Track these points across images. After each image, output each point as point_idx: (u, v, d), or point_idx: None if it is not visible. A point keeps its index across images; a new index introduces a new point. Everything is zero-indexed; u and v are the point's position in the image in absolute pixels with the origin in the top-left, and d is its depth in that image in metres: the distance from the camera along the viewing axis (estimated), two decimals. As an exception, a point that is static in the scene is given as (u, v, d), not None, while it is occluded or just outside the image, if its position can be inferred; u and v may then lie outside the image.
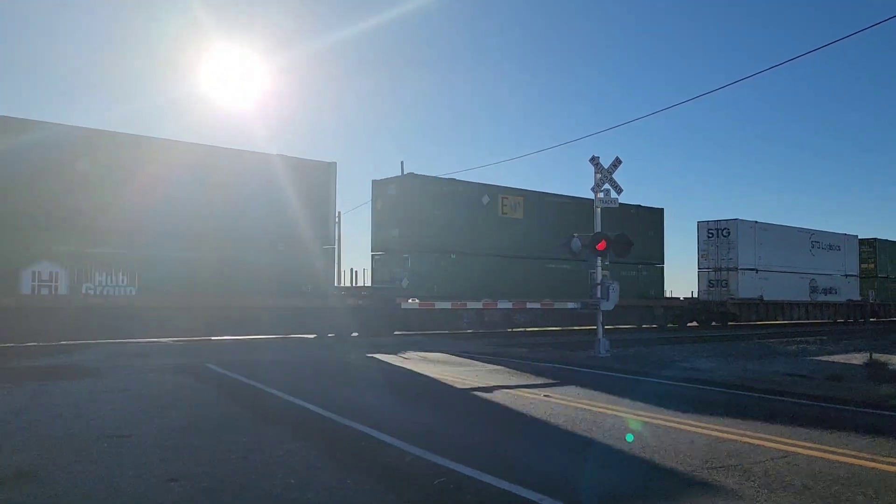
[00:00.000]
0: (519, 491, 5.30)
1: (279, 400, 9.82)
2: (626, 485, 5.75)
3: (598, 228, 17.75)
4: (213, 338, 20.36)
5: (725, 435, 7.47)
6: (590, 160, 17.54)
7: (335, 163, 22.62)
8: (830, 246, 43.18)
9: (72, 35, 68.94)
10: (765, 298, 37.23)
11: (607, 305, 17.50)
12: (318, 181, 22.17)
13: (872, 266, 47.27)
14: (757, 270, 37.35)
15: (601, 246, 17.08)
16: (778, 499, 5.19)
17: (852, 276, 44.78)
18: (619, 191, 17.71)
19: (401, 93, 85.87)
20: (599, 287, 17.47)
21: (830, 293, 42.57)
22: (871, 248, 47.49)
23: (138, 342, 18.99)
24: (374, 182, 27.12)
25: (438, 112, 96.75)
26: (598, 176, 17.56)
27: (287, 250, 21.23)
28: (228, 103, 56.52)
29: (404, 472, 5.93)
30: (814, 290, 41.22)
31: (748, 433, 7.54)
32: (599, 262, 17.61)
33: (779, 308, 39.16)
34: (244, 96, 53.36)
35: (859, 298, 43.97)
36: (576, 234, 17.86)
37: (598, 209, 17.91)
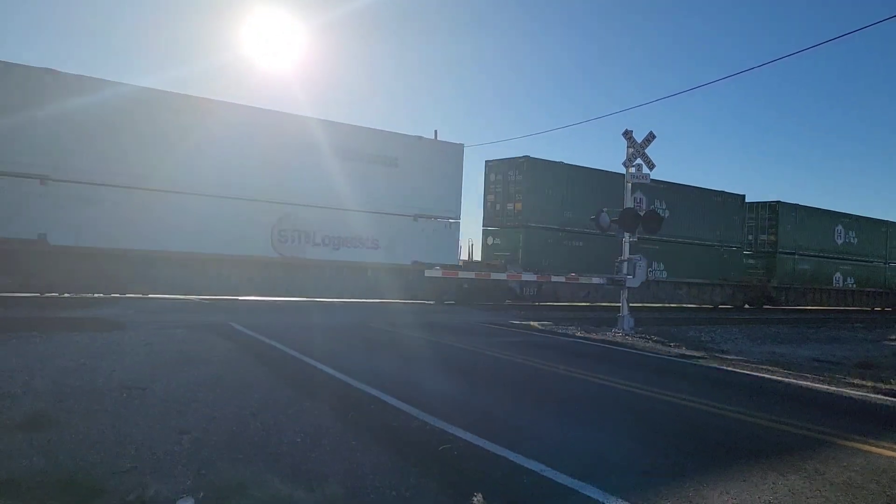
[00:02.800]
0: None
1: (297, 361, 9.92)
2: (625, 459, 5.68)
3: (627, 204, 17.50)
4: (239, 297, 20.56)
5: (745, 417, 7.37)
6: (623, 134, 17.23)
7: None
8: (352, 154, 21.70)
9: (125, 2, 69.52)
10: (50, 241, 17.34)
11: (633, 282, 17.30)
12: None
13: (518, 207, 27.26)
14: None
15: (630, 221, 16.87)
16: (788, 483, 5.09)
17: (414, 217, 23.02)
18: (651, 166, 17.39)
19: (437, 57, 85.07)
20: (626, 263, 17.26)
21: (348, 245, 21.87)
22: (518, 172, 27.27)
23: (168, 297, 19.33)
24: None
25: (475, 77, 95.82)
26: (631, 150, 17.26)
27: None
28: (269, 65, 56.57)
29: (409, 435, 5.94)
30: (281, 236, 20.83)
31: (770, 417, 7.43)
32: (627, 237, 17.38)
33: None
34: (285, 59, 53.31)
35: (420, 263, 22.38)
36: (604, 210, 17.61)
37: (629, 184, 17.62)
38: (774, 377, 10.58)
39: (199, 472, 4.64)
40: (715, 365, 11.76)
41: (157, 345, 10.52)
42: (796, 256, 37.12)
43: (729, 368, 11.40)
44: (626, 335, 15.97)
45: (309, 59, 59.55)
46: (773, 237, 36.48)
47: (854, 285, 40.63)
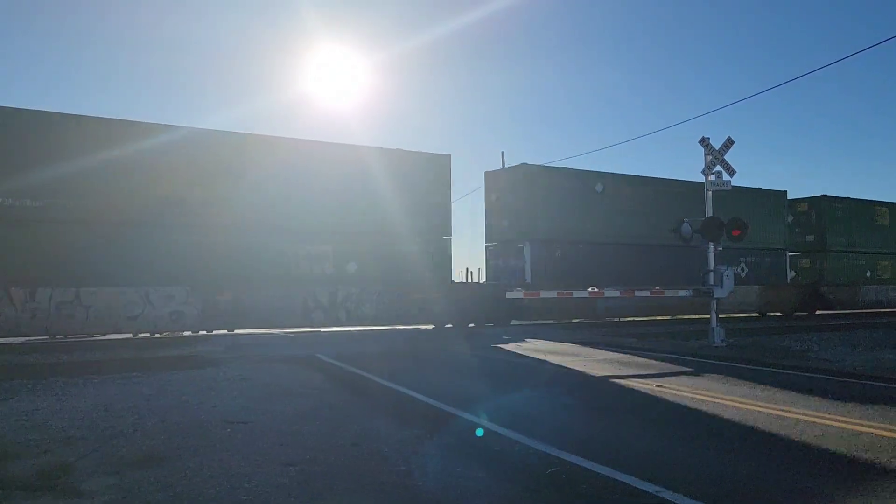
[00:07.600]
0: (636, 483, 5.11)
1: (387, 389, 9.96)
2: (749, 476, 5.42)
3: (709, 213, 16.99)
4: (322, 329, 20.97)
5: (860, 428, 6.94)
6: (699, 141, 16.78)
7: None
8: None
9: (190, 44, 73.01)
10: None
11: (721, 293, 16.71)
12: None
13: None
14: None
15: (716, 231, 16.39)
16: (925, 497, 4.74)
17: None
18: (731, 172, 16.86)
19: (502, 83, 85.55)
20: (712, 273, 16.72)
21: None
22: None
23: (251, 333, 19.86)
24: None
25: (538, 101, 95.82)
26: (709, 158, 16.79)
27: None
28: (333, 102, 58.20)
29: (514, 461, 5.84)
30: None
31: (885, 426, 6.98)
32: (712, 247, 16.85)
33: None
34: (348, 95, 54.73)
35: None
36: (686, 219, 17.15)
37: (710, 192, 17.12)
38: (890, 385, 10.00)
39: (312, 504, 4.66)
40: (821, 375, 11.19)
41: (253, 379, 10.76)
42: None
43: (836, 378, 10.83)
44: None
45: (372, 94, 60.89)
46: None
47: None
